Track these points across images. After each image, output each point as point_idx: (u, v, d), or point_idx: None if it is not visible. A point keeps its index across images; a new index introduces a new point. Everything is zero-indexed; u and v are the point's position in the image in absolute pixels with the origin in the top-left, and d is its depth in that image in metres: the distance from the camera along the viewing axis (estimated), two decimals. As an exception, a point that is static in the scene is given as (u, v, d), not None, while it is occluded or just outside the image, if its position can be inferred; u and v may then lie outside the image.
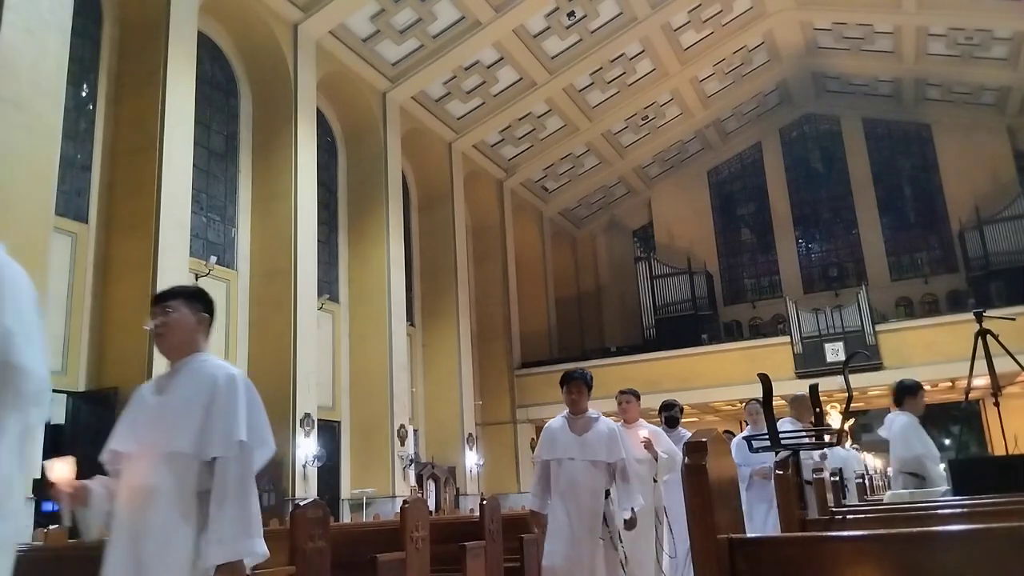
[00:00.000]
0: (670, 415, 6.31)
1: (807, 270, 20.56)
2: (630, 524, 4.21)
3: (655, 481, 5.21)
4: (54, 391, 8.65)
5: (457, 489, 14.98)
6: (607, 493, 4.25)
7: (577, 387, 4.36)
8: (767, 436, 3.04)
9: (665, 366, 16.58)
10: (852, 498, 5.92)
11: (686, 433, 5.92)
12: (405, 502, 4.28)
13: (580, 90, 16.75)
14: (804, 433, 4.17)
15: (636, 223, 22.49)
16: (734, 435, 6.76)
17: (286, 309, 11.32)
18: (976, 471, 3.87)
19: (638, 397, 5.66)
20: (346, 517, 12.24)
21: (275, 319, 11.35)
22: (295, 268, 11.46)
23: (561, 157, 18.71)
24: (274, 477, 10.68)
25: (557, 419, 4.44)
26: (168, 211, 9.42)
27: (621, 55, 16.11)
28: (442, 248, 16.14)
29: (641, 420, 5.52)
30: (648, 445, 5.16)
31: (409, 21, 13.26)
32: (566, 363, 17.00)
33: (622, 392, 5.65)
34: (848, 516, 2.77)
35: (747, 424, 6.69)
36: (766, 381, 3.36)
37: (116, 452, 2.20)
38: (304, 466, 11.04)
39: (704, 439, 1.48)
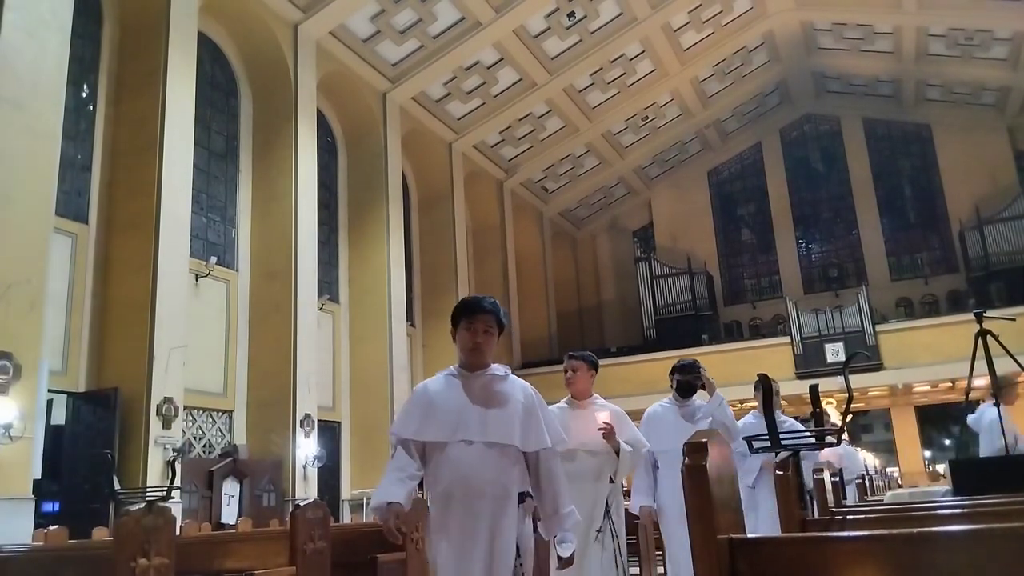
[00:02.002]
0: (685, 380, 4.68)
1: (807, 270, 20.58)
2: (566, 564, 2.67)
3: (611, 481, 3.93)
4: (54, 391, 8.68)
5: (457, 489, 14.97)
6: (520, 498, 2.64)
7: (486, 324, 2.67)
8: (767, 436, 3.04)
9: (665, 366, 16.33)
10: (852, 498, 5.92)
11: (701, 404, 4.65)
12: (405, 502, 4.26)
13: (580, 91, 16.76)
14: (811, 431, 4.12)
15: (636, 223, 22.50)
16: None
17: (286, 310, 11.32)
18: (977, 471, 3.88)
19: (592, 365, 4.11)
20: (346, 518, 12.24)
21: (275, 319, 11.35)
22: (295, 268, 11.46)
23: (561, 158, 18.72)
24: (274, 478, 10.69)
25: (438, 378, 2.75)
26: (168, 211, 9.42)
27: (621, 56, 16.12)
28: (442, 248, 16.14)
29: (597, 396, 4.13)
30: (609, 433, 3.83)
31: (409, 22, 13.26)
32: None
33: (570, 356, 4.17)
34: (848, 516, 2.77)
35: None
36: (766, 381, 3.36)
37: None
38: (304, 467, 11.04)
39: (704, 439, 1.48)
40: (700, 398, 4.71)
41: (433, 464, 2.64)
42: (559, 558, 2.66)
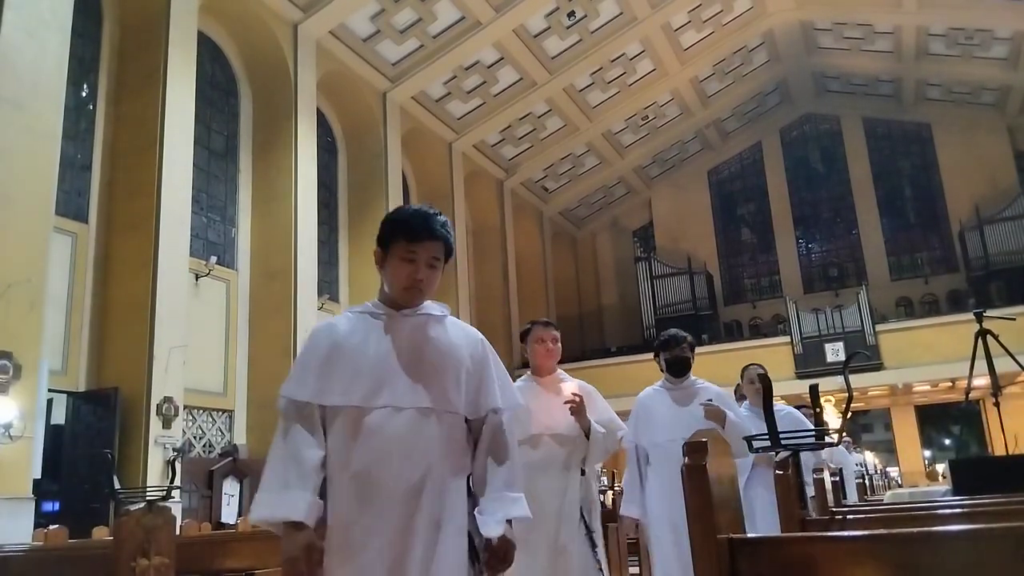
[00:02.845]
0: (672, 356, 3.91)
1: (807, 270, 20.57)
2: (497, 554, 1.80)
3: (583, 472, 3.29)
4: (54, 391, 8.68)
5: (457, 489, 14.96)
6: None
7: (432, 254, 1.90)
8: (767, 436, 3.03)
9: (665, 366, 16.56)
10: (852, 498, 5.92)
11: (701, 386, 3.95)
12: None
13: (580, 90, 16.76)
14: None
15: (636, 223, 22.50)
16: None
17: (286, 309, 11.32)
18: (976, 471, 3.88)
19: (556, 338, 3.47)
20: (346, 517, 12.23)
21: (275, 319, 11.35)
22: (295, 268, 11.46)
23: (561, 157, 18.71)
24: (274, 477, 10.67)
25: (348, 316, 1.96)
26: (168, 211, 9.42)
27: (621, 55, 16.12)
28: (442, 248, 16.11)
29: (561, 371, 3.49)
30: (578, 409, 3.19)
31: (409, 21, 13.26)
32: (566, 364, 16.99)
33: (547, 323, 3.48)
34: (848, 516, 2.77)
35: (744, 398, 4.99)
36: (766, 381, 3.35)
37: None
38: (304, 466, 11.02)
39: (704, 439, 1.48)
40: (700, 379, 4.03)
41: (336, 443, 1.81)
42: (488, 544, 1.81)
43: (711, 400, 3.78)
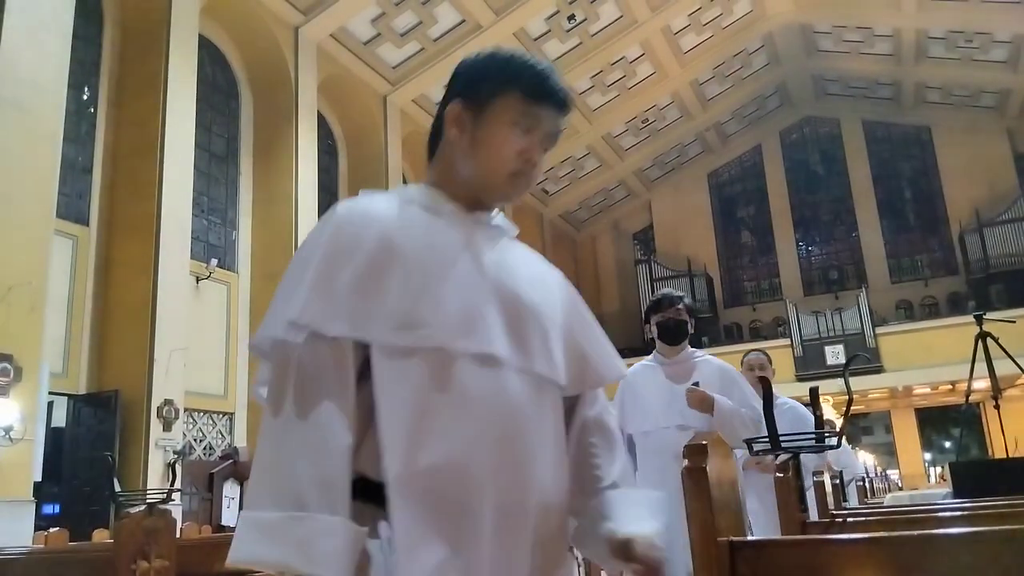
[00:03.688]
0: (665, 319, 3.26)
1: (807, 272, 20.58)
2: (652, 566, 1.10)
3: None
4: (55, 393, 8.68)
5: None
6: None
7: (553, 123, 1.16)
8: (767, 438, 3.02)
9: (665, 369, 16.55)
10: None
11: (700, 358, 3.43)
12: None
13: (580, 93, 16.76)
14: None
15: (636, 226, 22.52)
16: None
17: (286, 312, 11.31)
18: (977, 474, 3.88)
19: None
20: (346, 520, 12.21)
21: (275, 322, 11.34)
22: (295, 271, 11.45)
23: (561, 160, 18.72)
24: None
25: (388, 203, 1.12)
26: (169, 214, 9.43)
27: (621, 58, 16.13)
28: (442, 251, 16.11)
29: None
30: None
31: (410, 24, 13.27)
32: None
33: None
34: (848, 519, 2.77)
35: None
36: (766, 384, 3.35)
37: None
38: (304, 469, 11.01)
39: (704, 441, 1.48)
40: (700, 350, 3.47)
41: (386, 414, 1.00)
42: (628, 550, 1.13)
43: (697, 383, 3.26)
